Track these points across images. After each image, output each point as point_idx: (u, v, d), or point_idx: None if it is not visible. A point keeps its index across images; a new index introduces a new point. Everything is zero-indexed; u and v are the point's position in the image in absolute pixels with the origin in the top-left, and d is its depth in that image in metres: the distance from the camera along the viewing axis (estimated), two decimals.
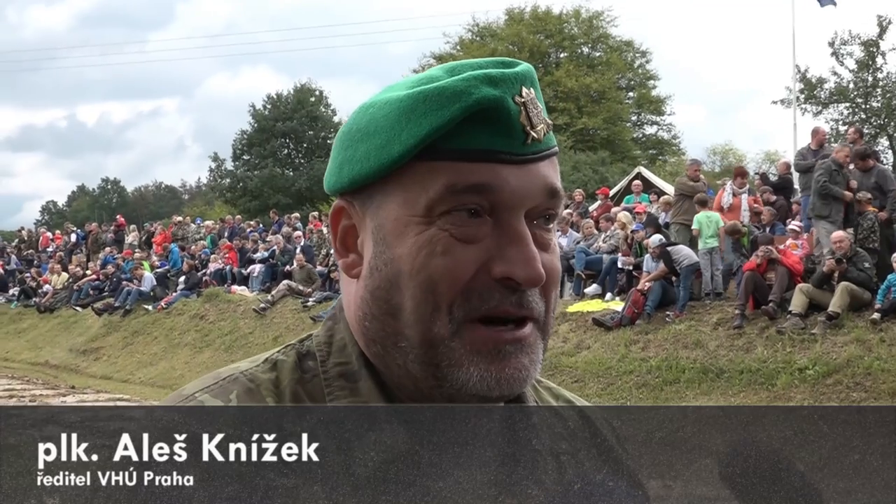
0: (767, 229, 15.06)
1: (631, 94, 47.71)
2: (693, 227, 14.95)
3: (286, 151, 52.02)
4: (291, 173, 50.61)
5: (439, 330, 0.96)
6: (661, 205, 17.86)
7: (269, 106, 51.59)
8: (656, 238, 14.88)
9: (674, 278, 14.47)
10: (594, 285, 16.07)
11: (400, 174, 0.98)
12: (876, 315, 11.58)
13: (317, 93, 52.76)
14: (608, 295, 15.61)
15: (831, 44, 40.01)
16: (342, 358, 1.04)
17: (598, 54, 46.54)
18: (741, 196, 15.66)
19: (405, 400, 1.02)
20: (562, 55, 46.18)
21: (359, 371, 1.02)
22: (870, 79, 40.11)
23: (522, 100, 0.98)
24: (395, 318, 0.98)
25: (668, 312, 14.07)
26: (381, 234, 0.99)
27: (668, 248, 14.39)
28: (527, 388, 1.01)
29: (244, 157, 51.33)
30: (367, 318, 1.01)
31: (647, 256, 14.81)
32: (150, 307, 23.09)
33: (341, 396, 1.01)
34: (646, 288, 14.29)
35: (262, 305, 20.17)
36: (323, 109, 52.49)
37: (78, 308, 25.38)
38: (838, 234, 12.35)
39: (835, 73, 40.40)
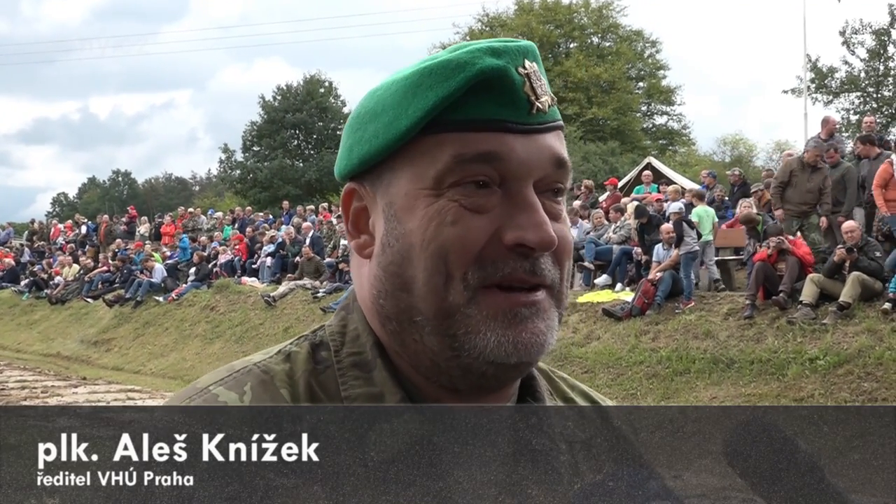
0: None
1: (641, 84, 47.57)
2: (693, 218, 15.15)
3: (296, 142, 52.03)
4: (301, 164, 50.63)
5: (454, 298, 0.96)
6: (671, 194, 17.85)
7: (278, 97, 51.59)
8: (676, 205, 14.98)
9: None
10: (604, 276, 16.06)
11: (408, 149, 0.98)
12: (887, 305, 11.52)
13: (326, 84, 52.75)
14: (618, 285, 15.60)
15: (842, 33, 39.91)
16: (355, 348, 1.03)
17: (607, 44, 46.42)
18: None
19: (421, 385, 1.01)
20: (571, 45, 46.06)
21: (372, 360, 1.02)
22: (881, 68, 39.97)
23: (526, 71, 0.99)
24: (408, 293, 0.98)
25: (678, 304, 14.06)
26: (392, 211, 1.00)
27: (685, 224, 14.45)
28: (544, 354, 1.00)
29: (254, 148, 51.36)
30: (381, 296, 1.01)
31: (658, 246, 14.80)
32: (160, 298, 23.16)
33: (355, 386, 1.01)
34: (656, 278, 14.28)
35: (268, 298, 20.21)
36: (332, 100, 52.46)
37: (89, 299, 25.46)
38: (849, 223, 12.30)
39: (846, 63, 40.33)
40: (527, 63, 0.99)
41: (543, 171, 0.99)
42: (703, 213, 15.20)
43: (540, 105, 0.99)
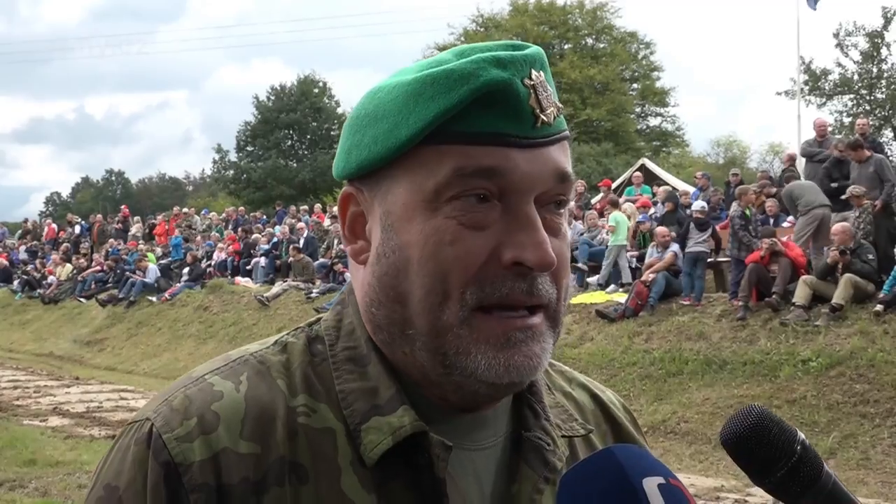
0: (772, 221, 15.06)
1: (635, 85, 47.63)
2: (609, 223, 16.07)
3: (290, 143, 51.97)
4: (295, 164, 50.60)
5: (448, 318, 0.94)
6: (661, 195, 17.92)
7: (272, 97, 51.54)
8: (699, 204, 15.07)
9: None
10: (597, 277, 16.08)
11: (408, 159, 0.96)
12: (879, 307, 11.56)
13: (320, 84, 52.71)
14: (611, 286, 15.62)
15: (836, 35, 40.07)
16: (350, 342, 1.03)
17: (602, 45, 46.46)
18: None
19: (414, 382, 1.00)
20: (566, 46, 46.10)
21: (367, 355, 1.01)
22: (874, 70, 40.12)
23: (532, 83, 0.96)
24: (402, 306, 0.96)
25: (672, 304, 14.07)
26: (389, 221, 0.98)
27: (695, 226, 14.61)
28: (538, 375, 0.99)
29: (248, 148, 51.29)
30: (373, 305, 1.00)
31: (651, 247, 14.82)
32: (154, 298, 23.12)
33: (350, 381, 1.00)
34: (649, 279, 14.30)
35: (262, 298, 20.18)
36: (326, 101, 52.42)
37: (82, 299, 25.41)
38: (839, 226, 12.33)
39: (839, 65, 40.49)
40: (533, 74, 0.96)
41: (545, 186, 0.96)
42: (620, 219, 16.04)
43: (545, 118, 0.96)
